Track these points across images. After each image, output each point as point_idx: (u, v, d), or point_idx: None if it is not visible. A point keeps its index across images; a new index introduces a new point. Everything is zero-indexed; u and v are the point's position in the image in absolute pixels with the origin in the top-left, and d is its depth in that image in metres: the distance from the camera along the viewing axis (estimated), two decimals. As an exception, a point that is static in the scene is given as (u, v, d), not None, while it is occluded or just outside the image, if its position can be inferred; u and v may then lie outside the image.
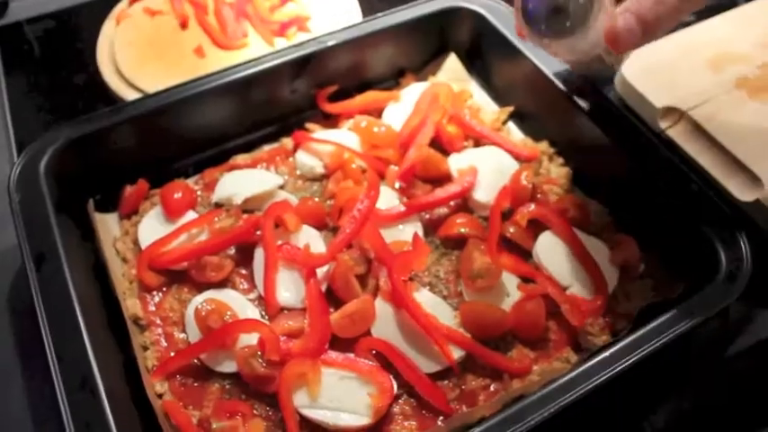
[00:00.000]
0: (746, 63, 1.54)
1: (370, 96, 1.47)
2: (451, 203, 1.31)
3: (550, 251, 1.22)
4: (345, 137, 1.40)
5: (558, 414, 0.96)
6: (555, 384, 0.98)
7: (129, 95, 1.52)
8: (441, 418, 1.06)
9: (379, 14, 1.47)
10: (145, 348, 1.15)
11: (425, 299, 1.15)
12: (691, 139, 1.44)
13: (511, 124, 1.49)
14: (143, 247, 1.24)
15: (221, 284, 1.21)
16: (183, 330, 1.16)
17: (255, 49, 1.62)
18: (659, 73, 1.53)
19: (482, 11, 1.48)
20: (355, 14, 1.72)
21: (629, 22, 0.97)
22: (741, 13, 1.67)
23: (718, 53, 1.57)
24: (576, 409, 0.97)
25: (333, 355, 1.09)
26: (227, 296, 1.18)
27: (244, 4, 1.70)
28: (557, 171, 1.38)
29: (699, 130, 1.43)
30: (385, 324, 1.12)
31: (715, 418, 1.15)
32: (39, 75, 1.69)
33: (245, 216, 1.27)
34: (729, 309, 1.08)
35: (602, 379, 0.98)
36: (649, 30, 0.98)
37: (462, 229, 1.24)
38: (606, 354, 1.01)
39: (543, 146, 1.42)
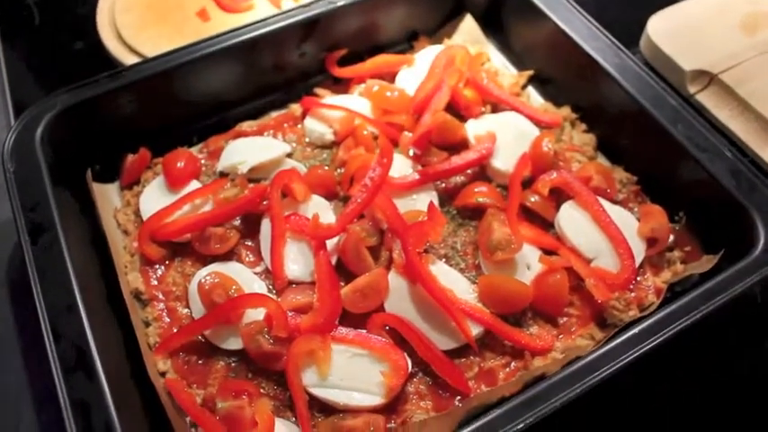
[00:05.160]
0: (782, 23, 1.46)
1: (382, 60, 1.40)
2: (469, 171, 1.24)
3: (574, 222, 1.16)
4: (356, 102, 1.34)
5: (583, 395, 0.90)
6: (580, 363, 0.93)
7: (130, 61, 1.46)
8: (458, 397, 1.01)
9: (392, -27, 1.40)
10: (147, 324, 1.10)
11: (442, 272, 1.09)
12: (721, 103, 1.37)
13: (530, 89, 1.42)
14: (145, 218, 1.19)
15: (226, 257, 1.16)
16: (187, 305, 1.11)
17: (262, 12, 1.55)
18: (688, 35, 1.46)
19: (501, -31, 1.40)
20: (367, -25, 1.64)
21: None
22: (776, -30, 1.58)
23: (752, 13, 1.50)
24: (603, 391, 0.91)
25: (343, 331, 1.03)
26: (233, 269, 1.12)
27: (250, -36, 1.63)
28: (580, 137, 1.31)
29: (730, 94, 1.36)
30: (399, 298, 1.07)
31: (756, 404, 1.09)
32: (38, 40, 1.63)
33: (251, 185, 1.21)
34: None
35: (630, 358, 0.93)
36: None
37: (480, 199, 1.18)
38: (635, 330, 0.95)
39: (565, 111, 1.34)
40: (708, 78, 1.39)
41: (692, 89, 1.40)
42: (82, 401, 0.89)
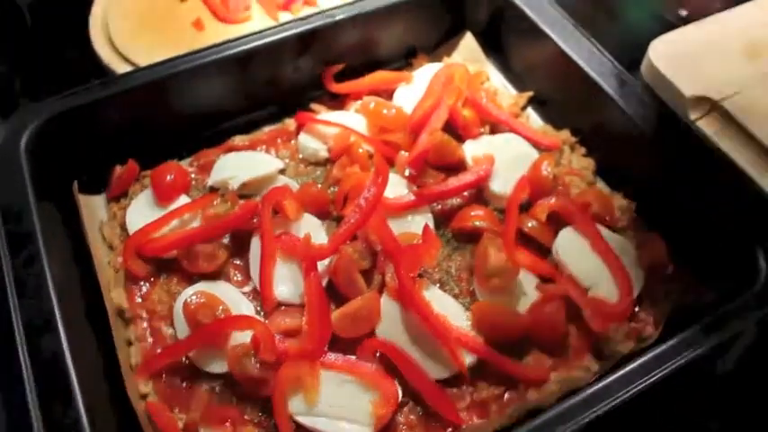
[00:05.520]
0: (784, 51, 1.45)
1: (379, 76, 1.38)
2: (465, 194, 1.22)
3: (572, 249, 1.13)
4: (352, 119, 1.31)
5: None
6: (576, 398, 0.91)
7: (123, 69, 1.43)
8: (449, 429, 0.98)
9: (392, -12, 1.38)
10: (129, 344, 1.07)
11: (435, 297, 1.07)
12: (723, 131, 1.35)
13: (530, 110, 1.40)
14: (131, 232, 1.16)
15: (214, 276, 1.13)
16: (172, 325, 1.08)
17: (258, 24, 1.53)
18: (689, 60, 1.44)
19: (502, -14, 1.38)
20: (366, -12, 1.62)
21: None
22: (778, -3, 1.57)
23: (754, 40, 1.48)
24: (600, 427, 0.89)
25: (333, 356, 1.01)
26: (220, 289, 1.09)
27: (247, -25, 1.61)
28: (579, 162, 1.29)
29: (732, 121, 1.34)
30: (391, 324, 1.04)
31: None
32: (29, 46, 1.60)
33: (241, 202, 1.19)
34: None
35: (628, 394, 0.91)
36: None
37: (477, 222, 1.16)
38: (634, 365, 0.93)
39: (565, 134, 1.33)
40: (709, 105, 1.37)
41: (693, 115, 1.38)
42: (58, 426, 0.86)
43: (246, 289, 1.12)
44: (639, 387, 0.91)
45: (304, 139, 1.30)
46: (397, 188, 1.20)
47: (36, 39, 1.62)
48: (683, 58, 1.45)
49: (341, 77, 1.39)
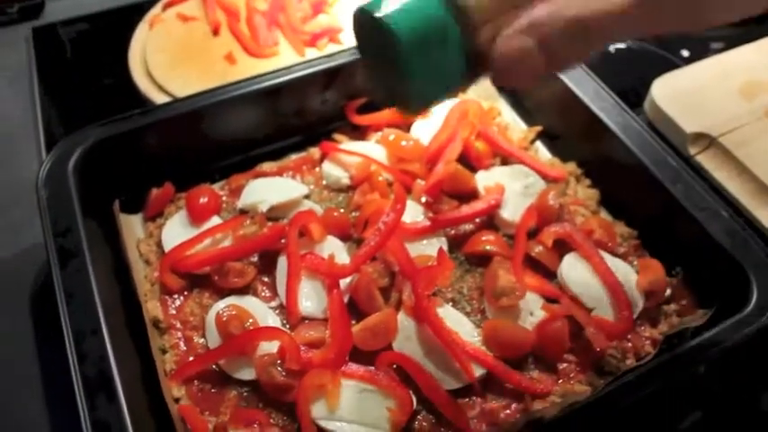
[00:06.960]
0: (778, 92, 1.53)
1: (398, 110, 1.47)
2: (477, 220, 1.29)
3: (575, 272, 1.20)
4: (373, 149, 1.40)
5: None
6: (578, 406, 0.97)
7: (160, 99, 1.54)
8: (460, 436, 1.05)
9: (411, 29, 1.47)
10: (164, 352, 1.15)
11: (448, 315, 1.14)
12: (720, 165, 1.43)
13: (539, 144, 1.48)
14: (166, 249, 1.24)
15: (243, 291, 1.20)
16: (203, 335, 1.16)
17: (286, 58, 1.63)
18: (689, 98, 1.53)
19: (514, 29, 1.46)
20: (386, 28, 1.71)
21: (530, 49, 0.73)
22: (774, 41, 1.66)
23: (750, 81, 1.57)
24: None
25: (353, 367, 1.08)
26: (249, 303, 1.17)
27: (276, 13, 1.71)
28: (584, 192, 1.37)
29: (729, 156, 1.42)
30: (406, 338, 1.11)
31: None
32: (71, 76, 1.70)
33: (269, 224, 1.27)
34: (759, 339, 1.05)
35: (626, 403, 0.97)
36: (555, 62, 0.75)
37: (487, 247, 1.23)
38: (631, 377, 1.00)
39: (571, 167, 1.41)
40: (708, 141, 1.46)
41: (692, 150, 1.46)
42: (104, 422, 0.93)
43: (273, 304, 1.19)
44: (635, 398, 0.97)
45: (328, 167, 1.38)
46: (413, 214, 1.28)
47: (77, 69, 1.73)
48: (683, 96, 1.54)
49: (363, 110, 1.47)
